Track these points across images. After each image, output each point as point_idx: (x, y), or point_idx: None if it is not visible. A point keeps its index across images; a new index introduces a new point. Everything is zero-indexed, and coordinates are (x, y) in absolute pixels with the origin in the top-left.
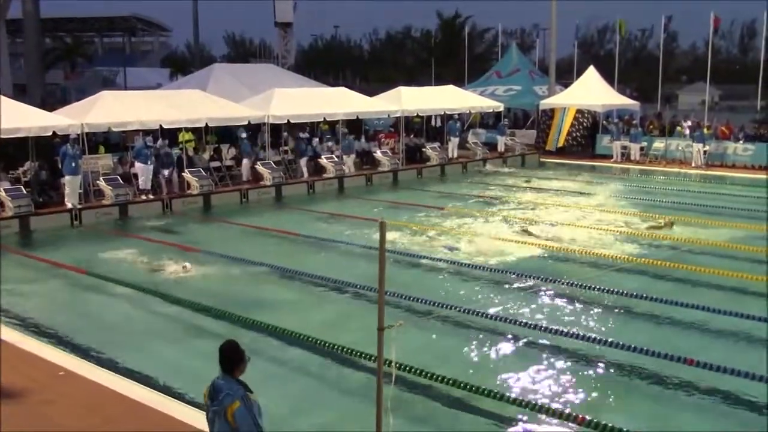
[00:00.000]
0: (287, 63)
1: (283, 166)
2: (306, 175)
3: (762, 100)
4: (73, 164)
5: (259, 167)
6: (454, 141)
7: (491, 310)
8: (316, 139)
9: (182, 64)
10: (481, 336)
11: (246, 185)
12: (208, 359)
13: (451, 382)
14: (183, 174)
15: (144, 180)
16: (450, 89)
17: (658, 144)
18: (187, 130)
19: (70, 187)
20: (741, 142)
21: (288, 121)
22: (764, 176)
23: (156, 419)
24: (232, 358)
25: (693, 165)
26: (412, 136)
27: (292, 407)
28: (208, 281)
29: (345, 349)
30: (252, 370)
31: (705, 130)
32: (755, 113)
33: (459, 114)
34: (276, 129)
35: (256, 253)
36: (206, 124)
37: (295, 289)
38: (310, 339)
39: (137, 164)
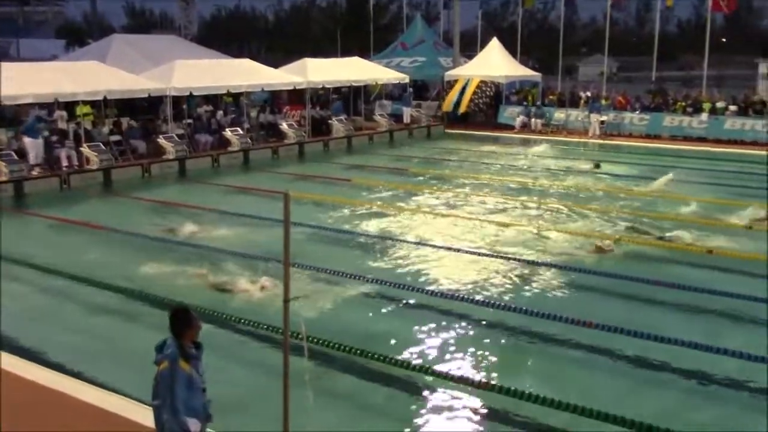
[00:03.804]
0: (189, 34)
1: (187, 139)
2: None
3: (657, 72)
4: None
5: (162, 140)
6: (335, 121)
7: (399, 280)
8: (220, 112)
9: (79, 35)
10: (388, 306)
11: (148, 160)
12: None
13: (359, 352)
14: (81, 149)
15: (35, 155)
16: (355, 61)
17: (559, 114)
18: (85, 103)
19: None
20: (637, 112)
21: (190, 93)
22: (659, 145)
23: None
24: (178, 322)
25: (590, 135)
26: (317, 108)
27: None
28: (109, 257)
29: (245, 321)
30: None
31: (603, 101)
32: (650, 84)
33: (340, 92)
34: (178, 101)
35: (158, 229)
36: (105, 96)
37: (200, 264)
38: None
39: (26, 139)
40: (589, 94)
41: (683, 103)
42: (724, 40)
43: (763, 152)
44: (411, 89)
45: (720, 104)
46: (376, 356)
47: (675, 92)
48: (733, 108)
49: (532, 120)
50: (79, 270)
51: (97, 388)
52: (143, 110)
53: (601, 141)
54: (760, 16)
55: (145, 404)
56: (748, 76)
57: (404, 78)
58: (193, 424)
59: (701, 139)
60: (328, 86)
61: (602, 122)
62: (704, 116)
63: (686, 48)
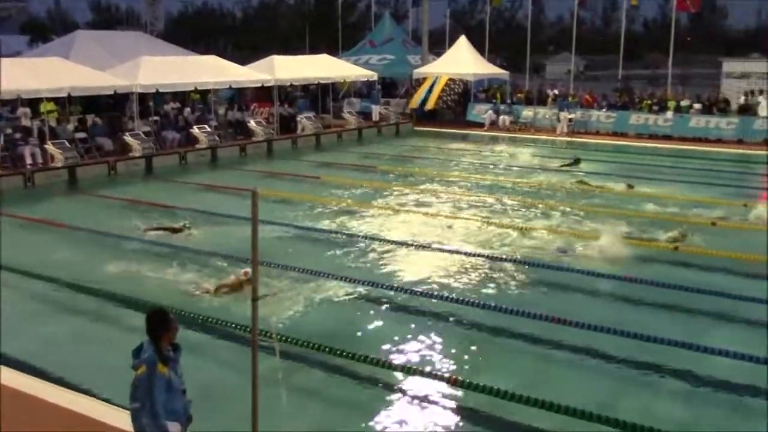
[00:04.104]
0: (156, 30)
1: (153, 136)
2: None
3: (623, 70)
4: None
5: (128, 138)
6: (300, 118)
7: (368, 277)
8: (188, 109)
9: (43, 31)
10: (359, 303)
11: (114, 157)
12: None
13: (328, 349)
14: (45, 146)
15: None
16: (324, 58)
17: (527, 112)
18: (49, 100)
19: None
20: (604, 110)
21: (157, 90)
22: (624, 142)
23: None
24: (154, 325)
25: (558, 132)
26: (286, 105)
27: None
28: (76, 255)
29: (213, 320)
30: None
31: (570, 99)
32: (617, 82)
33: (308, 89)
34: (144, 99)
35: (125, 227)
36: (69, 93)
37: (169, 263)
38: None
39: None
40: (556, 92)
41: (649, 102)
42: (689, 39)
43: (729, 150)
44: (379, 87)
45: (684, 103)
46: (346, 354)
47: (641, 90)
48: (697, 106)
49: (501, 117)
50: (44, 269)
51: (66, 390)
52: (109, 107)
53: (569, 138)
54: (724, 16)
55: (114, 405)
56: (712, 75)
57: (373, 75)
58: (173, 425)
59: (667, 137)
60: (296, 83)
61: (570, 120)
62: (669, 114)
63: (652, 47)
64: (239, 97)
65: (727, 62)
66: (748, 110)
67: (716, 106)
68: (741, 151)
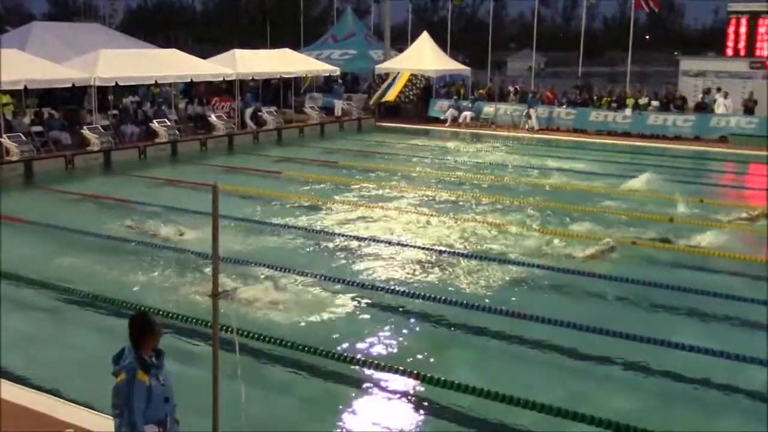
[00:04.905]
0: (114, 23)
1: (112, 130)
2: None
3: (583, 67)
4: None
5: (86, 132)
6: (247, 112)
7: (330, 273)
8: (148, 103)
9: None
10: (321, 298)
11: (71, 151)
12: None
13: (290, 344)
14: (1, 140)
15: None
16: (286, 52)
17: (489, 109)
18: (3, 92)
19: None
20: (564, 106)
21: (116, 83)
22: (585, 139)
23: None
24: (136, 330)
25: (523, 128)
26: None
27: None
28: (29, 251)
29: (173, 315)
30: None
31: (531, 96)
32: (577, 79)
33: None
34: (103, 92)
35: (82, 222)
36: (25, 86)
37: (124, 258)
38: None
39: None
40: (518, 87)
41: (608, 99)
42: (647, 37)
43: (687, 147)
44: (341, 81)
45: (643, 100)
46: (310, 350)
47: (600, 88)
48: (655, 103)
49: (462, 114)
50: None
51: (28, 389)
52: (66, 100)
53: (531, 135)
54: (682, 15)
55: (78, 404)
56: (670, 72)
57: (335, 70)
58: (150, 428)
59: (626, 134)
60: (258, 78)
61: (530, 116)
62: (628, 111)
63: (611, 44)
64: (190, 89)
65: (684, 60)
66: (704, 108)
67: (673, 103)
68: (698, 147)
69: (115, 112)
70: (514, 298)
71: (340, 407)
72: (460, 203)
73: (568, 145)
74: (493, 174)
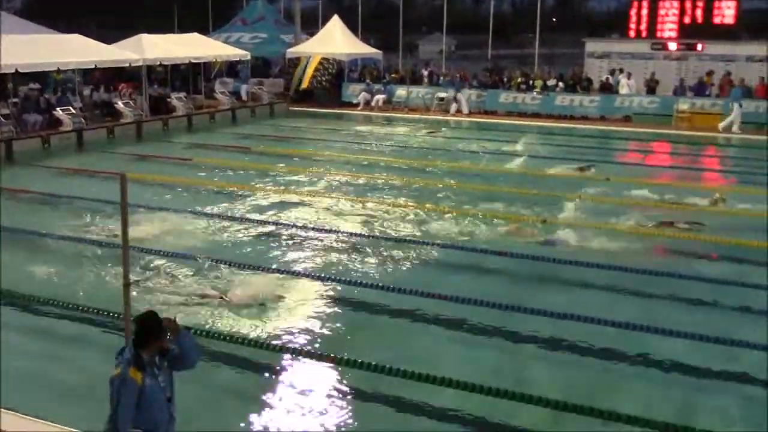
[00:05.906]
0: (13, 7)
1: (13, 119)
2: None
3: (493, 50)
4: None
5: None
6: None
7: (244, 260)
8: (51, 91)
9: None
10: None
11: None
12: None
13: (206, 333)
14: None
15: None
16: (195, 37)
17: (401, 92)
18: None
19: None
20: (475, 89)
21: (16, 70)
22: (495, 120)
23: None
24: (142, 332)
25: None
26: (155, 85)
27: (40, 368)
28: None
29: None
30: None
31: (442, 78)
32: (487, 62)
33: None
34: (2, 79)
35: None
36: None
37: (29, 251)
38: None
39: None
40: (431, 70)
41: (518, 80)
42: (554, 20)
43: (592, 126)
44: (245, 65)
45: (550, 82)
46: (224, 336)
47: (510, 70)
48: (562, 85)
49: (375, 98)
50: None
51: None
52: None
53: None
54: None
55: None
56: (576, 54)
57: (245, 55)
58: None
59: (535, 115)
60: (165, 63)
61: (441, 99)
62: (536, 93)
63: (520, 28)
64: (87, 75)
65: (590, 42)
66: (609, 88)
67: (579, 84)
68: (602, 127)
69: (15, 100)
70: (427, 278)
71: (257, 395)
72: (373, 186)
73: (480, 127)
74: (402, 157)
